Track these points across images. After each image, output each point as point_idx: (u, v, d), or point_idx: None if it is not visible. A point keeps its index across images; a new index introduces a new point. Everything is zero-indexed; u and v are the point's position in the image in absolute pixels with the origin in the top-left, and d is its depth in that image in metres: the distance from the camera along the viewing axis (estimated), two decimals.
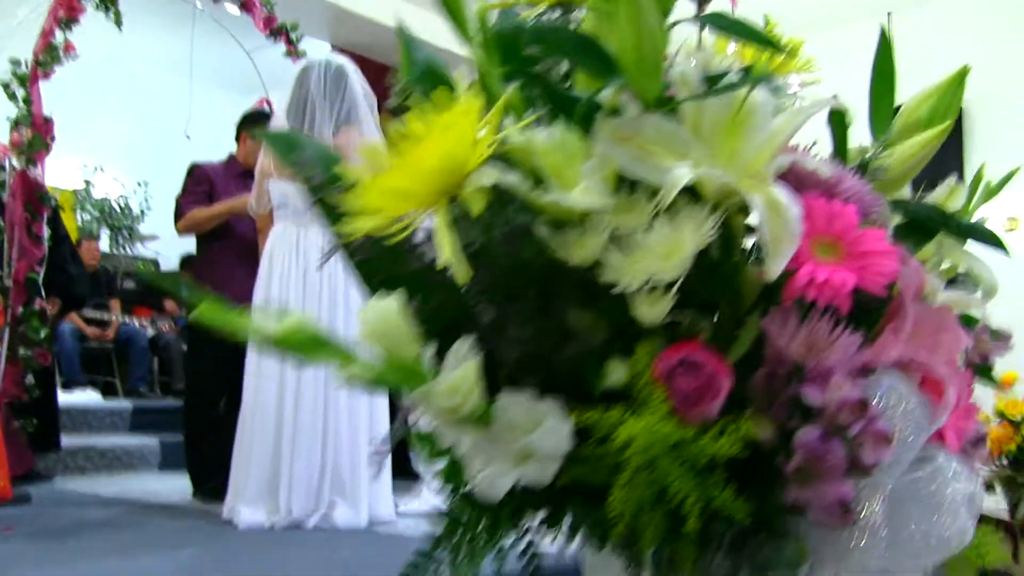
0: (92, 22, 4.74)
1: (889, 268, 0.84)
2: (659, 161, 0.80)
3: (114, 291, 8.73)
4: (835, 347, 0.83)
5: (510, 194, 0.82)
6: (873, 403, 0.82)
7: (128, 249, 9.74)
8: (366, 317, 0.76)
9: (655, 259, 0.78)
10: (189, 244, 9.11)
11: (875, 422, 0.81)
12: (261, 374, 3.72)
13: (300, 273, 3.73)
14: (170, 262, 9.69)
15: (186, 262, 9.16)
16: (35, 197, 4.39)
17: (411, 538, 3.45)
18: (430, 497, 4.11)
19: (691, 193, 0.82)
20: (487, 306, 0.79)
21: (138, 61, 9.32)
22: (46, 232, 4.45)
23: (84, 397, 6.94)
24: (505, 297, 0.80)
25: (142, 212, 9.67)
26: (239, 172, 4.72)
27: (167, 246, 9.78)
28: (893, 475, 0.83)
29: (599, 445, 0.75)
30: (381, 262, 0.81)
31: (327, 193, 0.88)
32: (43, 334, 4.42)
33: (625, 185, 0.84)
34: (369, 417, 3.76)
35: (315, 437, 3.65)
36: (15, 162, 4.29)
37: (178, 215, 4.65)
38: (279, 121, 3.94)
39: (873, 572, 0.86)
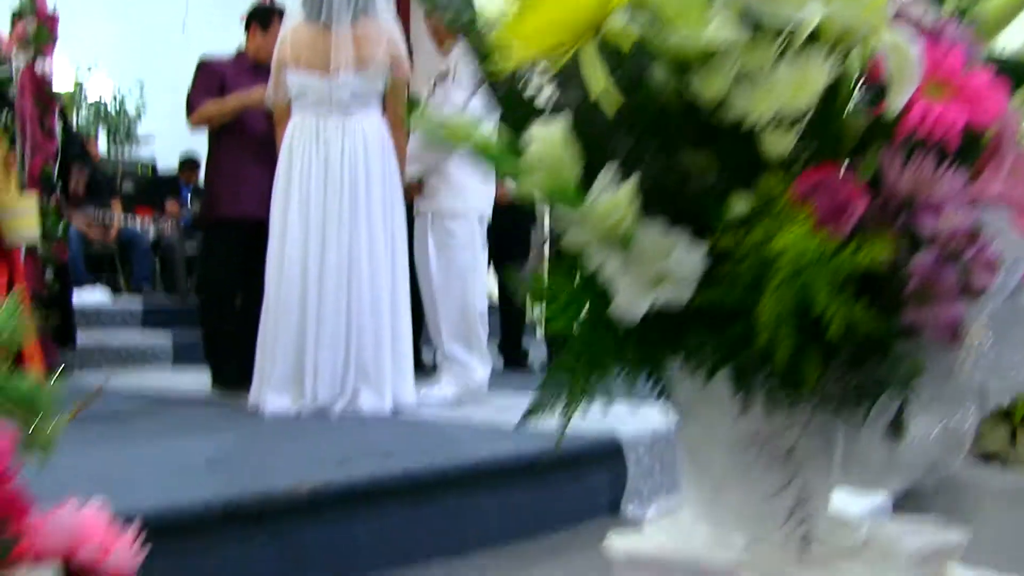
0: None
1: (997, 106, 0.89)
2: (786, 1, 0.84)
3: (114, 192, 8.72)
4: (943, 182, 0.88)
5: (640, 37, 0.85)
6: (982, 233, 0.87)
7: (126, 150, 9.69)
8: (532, 142, 0.80)
9: (783, 95, 0.82)
10: (187, 144, 9.11)
11: (985, 249, 0.86)
12: (283, 266, 3.76)
13: (321, 162, 3.74)
14: (168, 163, 9.66)
15: (186, 163, 9.15)
16: (44, 91, 4.36)
17: (436, 423, 3.54)
18: (448, 386, 4.20)
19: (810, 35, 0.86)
20: (623, 141, 0.83)
21: None
22: (58, 126, 4.44)
23: (94, 296, 7.00)
24: (637, 135, 0.84)
25: (138, 112, 9.61)
26: (249, 67, 4.69)
27: (164, 147, 9.76)
28: (997, 300, 0.89)
29: (736, 265, 0.80)
30: (522, 100, 0.85)
31: (472, 32, 0.91)
32: (60, 229, 4.44)
33: (747, 26, 0.87)
34: (391, 307, 3.81)
35: (339, 327, 3.70)
36: (21, 56, 4.25)
37: (189, 109, 4.63)
38: (294, 10, 3.91)
39: (972, 392, 0.92)
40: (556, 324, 1.05)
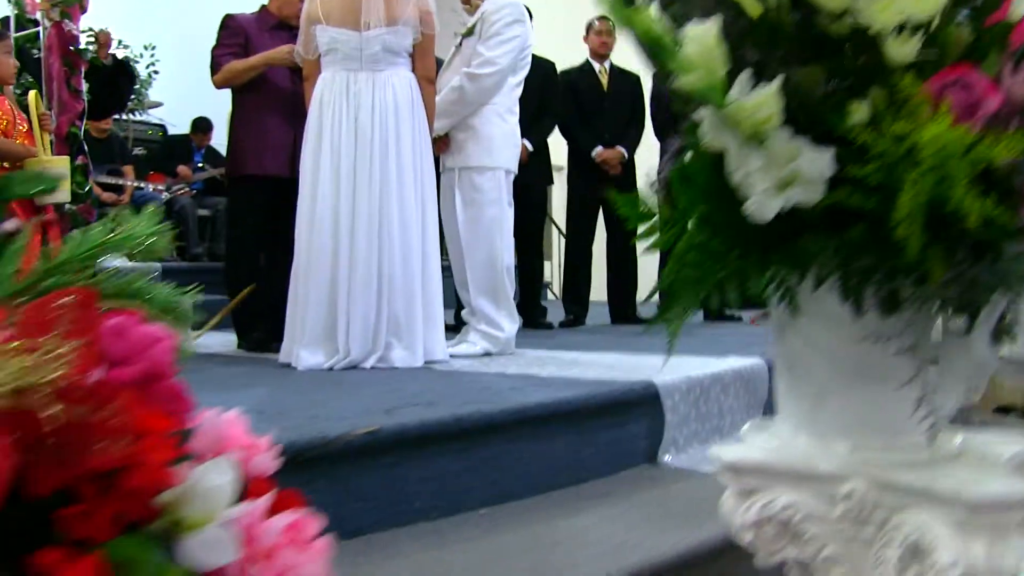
0: None
1: None
2: None
3: (127, 157, 8.74)
4: None
5: None
6: None
7: (137, 115, 9.67)
8: (688, 40, 0.82)
9: (910, 2, 0.84)
10: (197, 109, 9.09)
11: None
12: (314, 222, 3.77)
13: (351, 118, 3.75)
14: (178, 129, 9.64)
15: (197, 126, 9.14)
16: (71, 51, 4.37)
17: (472, 374, 3.57)
18: (476, 341, 4.23)
19: None
20: (762, 48, 0.85)
21: None
22: (84, 86, 4.45)
23: (113, 260, 6.99)
24: (764, 45, 0.86)
25: (149, 77, 9.58)
26: (272, 24, 4.69)
27: (173, 112, 9.73)
28: None
29: (869, 164, 0.82)
30: None
31: None
32: (87, 188, 4.46)
33: None
34: (422, 262, 3.83)
35: (370, 282, 3.72)
36: (47, 17, 4.26)
37: (214, 68, 4.63)
38: None
39: None
40: (657, 243, 1.07)
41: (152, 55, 9.52)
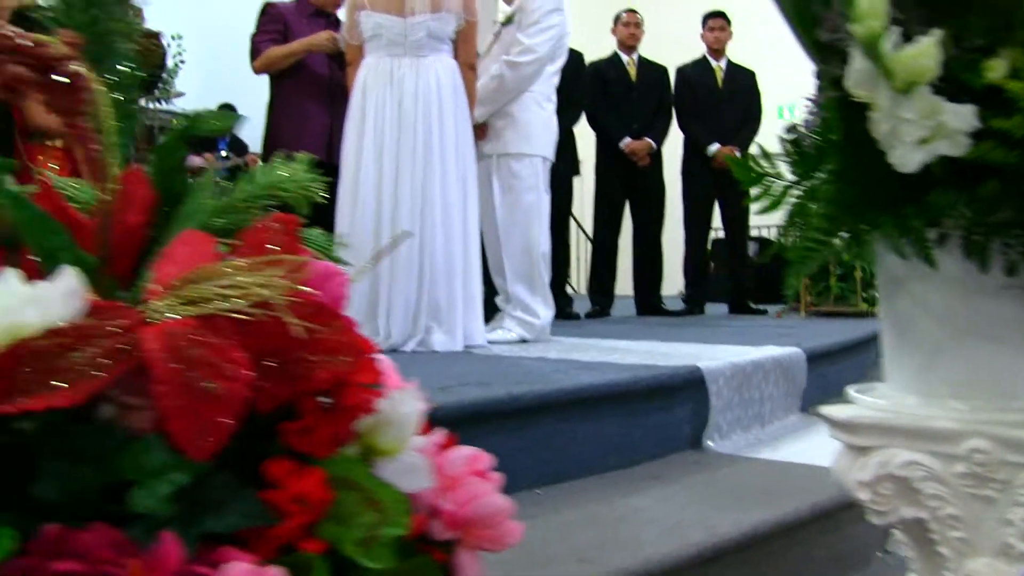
0: None
1: None
2: None
3: (152, 145, 8.76)
4: None
5: None
6: None
7: (163, 104, 9.68)
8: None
9: None
10: (218, 98, 9.12)
11: None
12: (357, 205, 3.80)
13: (395, 103, 3.77)
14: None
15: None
16: None
17: (515, 358, 3.59)
18: (513, 327, 4.25)
19: None
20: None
21: None
22: None
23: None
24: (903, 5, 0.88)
25: (176, 67, 9.59)
26: (311, 12, 4.74)
27: (195, 103, 9.76)
28: None
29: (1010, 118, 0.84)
30: None
31: None
32: None
33: None
34: (463, 247, 3.85)
35: (412, 266, 3.74)
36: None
37: (254, 54, 4.67)
38: None
39: None
40: (767, 207, 1.10)
41: (179, 45, 9.53)
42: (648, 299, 6.61)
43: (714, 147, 6.52)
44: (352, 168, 3.84)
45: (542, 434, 2.58)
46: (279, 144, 4.63)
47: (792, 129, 1.16)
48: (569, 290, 9.30)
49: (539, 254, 4.28)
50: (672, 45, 8.07)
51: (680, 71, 6.79)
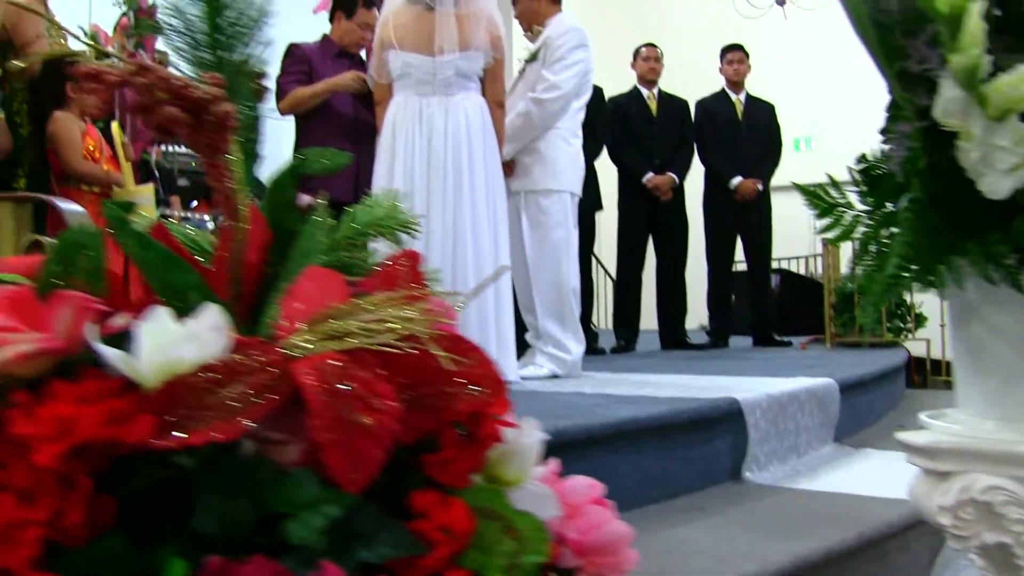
0: None
1: None
2: None
3: (173, 188, 8.83)
4: None
5: None
6: None
7: (182, 147, 9.78)
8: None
9: None
10: None
11: None
12: None
13: (424, 142, 3.79)
14: None
15: None
16: None
17: (551, 393, 3.59)
18: (544, 363, 4.25)
19: None
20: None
21: None
22: None
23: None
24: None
25: None
26: (335, 52, 4.78)
27: None
28: None
29: None
30: None
31: None
32: (158, 213, 4.54)
33: None
34: (494, 287, 3.86)
35: None
36: (123, 48, 4.35)
37: (279, 95, 4.71)
38: None
39: None
40: (838, 237, 1.11)
41: None
42: (672, 333, 6.61)
43: (736, 179, 6.55)
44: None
45: (587, 468, 2.56)
46: (306, 184, 4.66)
47: (862, 159, 1.18)
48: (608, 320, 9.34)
49: (569, 290, 4.29)
50: (691, 79, 8.13)
51: (700, 104, 6.84)
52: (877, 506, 2.60)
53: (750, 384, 3.62)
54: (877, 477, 3.12)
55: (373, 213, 1.05)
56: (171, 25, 0.96)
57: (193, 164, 9.82)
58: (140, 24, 4.34)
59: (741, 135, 6.68)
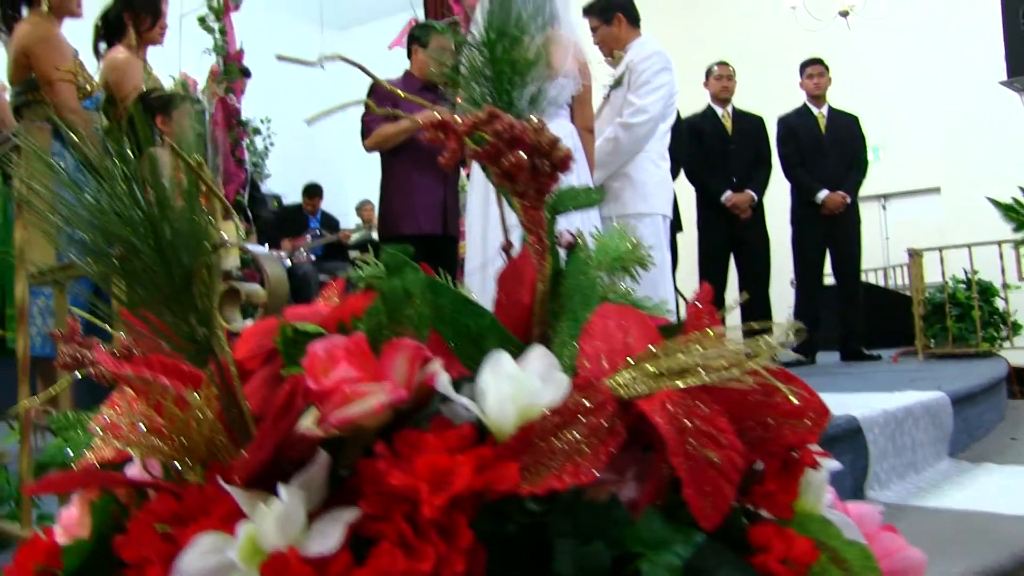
0: None
1: None
2: None
3: (250, 224, 8.95)
4: None
5: None
6: None
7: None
8: None
9: None
10: (303, 177, 9.31)
11: None
12: (487, 277, 3.82)
13: None
14: (289, 198, 9.88)
15: (309, 191, 9.38)
16: (235, 123, 4.54)
17: None
18: None
19: None
20: None
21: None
22: (247, 156, 4.61)
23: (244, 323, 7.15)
24: None
25: (266, 149, 9.84)
26: (419, 86, 4.81)
27: (279, 183, 9.98)
28: None
29: None
30: None
31: None
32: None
33: None
34: None
35: None
36: (213, 93, 4.43)
37: (365, 133, 4.76)
38: (479, 22, 3.99)
39: None
40: None
41: (268, 128, 9.79)
42: None
43: (823, 194, 6.48)
44: (479, 238, 3.88)
45: None
46: (394, 219, 4.71)
47: None
48: None
49: (666, 313, 4.26)
50: (761, 94, 8.08)
51: (782, 120, 6.79)
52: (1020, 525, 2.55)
53: (862, 400, 3.57)
54: (1008, 493, 3.05)
55: (617, 247, 1.05)
56: (461, 67, 0.98)
57: (276, 203, 9.97)
58: (229, 69, 4.42)
59: (825, 149, 6.62)
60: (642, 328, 0.72)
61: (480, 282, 3.83)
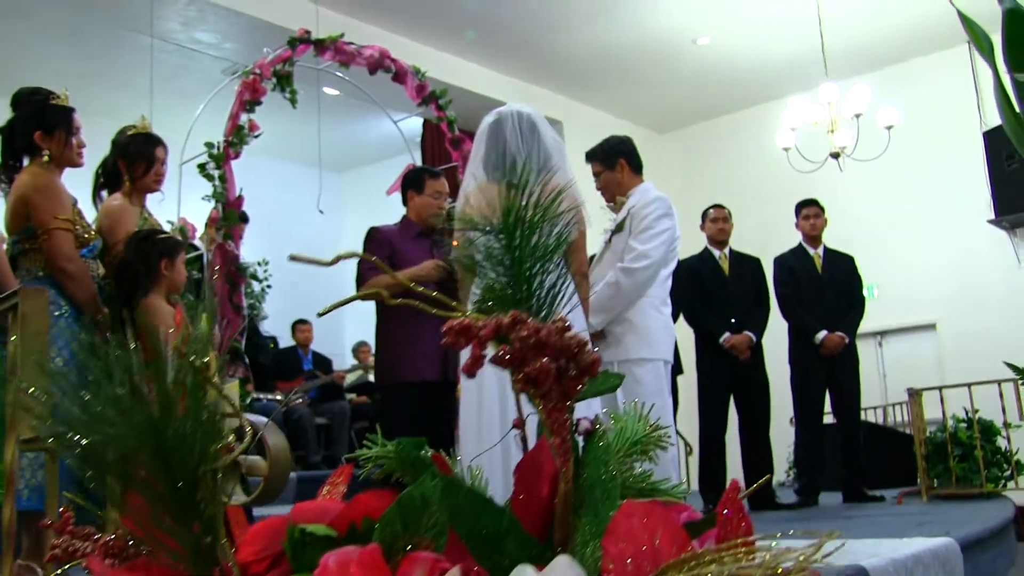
0: None
1: None
2: None
3: (248, 371, 8.90)
4: None
5: None
6: None
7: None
8: None
9: None
10: (291, 316, 9.33)
11: None
12: (482, 419, 3.77)
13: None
14: (284, 341, 9.85)
15: (297, 326, 9.43)
16: (233, 269, 4.54)
17: None
18: None
19: None
20: None
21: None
22: (245, 302, 4.61)
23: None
24: None
25: (263, 291, 9.85)
26: (416, 233, 4.83)
27: (275, 325, 9.98)
28: None
29: None
30: None
31: None
32: (248, 401, 4.55)
33: None
34: None
35: None
36: (212, 240, 4.46)
37: (360, 280, 4.74)
38: (477, 172, 4.03)
39: None
40: None
41: (266, 271, 9.83)
42: (760, 493, 6.44)
43: (822, 334, 6.49)
44: (476, 387, 3.83)
45: None
46: (393, 366, 4.67)
47: None
48: None
49: (669, 459, 4.21)
50: (756, 236, 8.16)
51: (779, 261, 6.84)
52: None
53: (870, 547, 3.47)
54: None
55: (636, 432, 1.01)
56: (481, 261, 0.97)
57: (271, 345, 9.95)
58: (228, 216, 4.45)
59: (823, 289, 6.66)
60: (668, 528, 0.68)
61: (475, 425, 3.77)
